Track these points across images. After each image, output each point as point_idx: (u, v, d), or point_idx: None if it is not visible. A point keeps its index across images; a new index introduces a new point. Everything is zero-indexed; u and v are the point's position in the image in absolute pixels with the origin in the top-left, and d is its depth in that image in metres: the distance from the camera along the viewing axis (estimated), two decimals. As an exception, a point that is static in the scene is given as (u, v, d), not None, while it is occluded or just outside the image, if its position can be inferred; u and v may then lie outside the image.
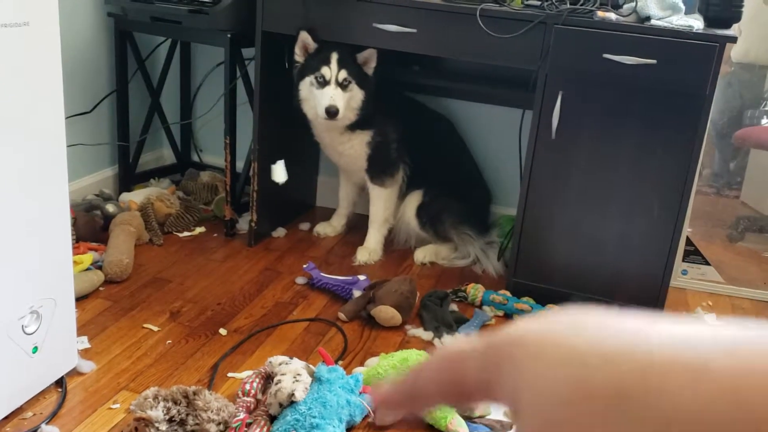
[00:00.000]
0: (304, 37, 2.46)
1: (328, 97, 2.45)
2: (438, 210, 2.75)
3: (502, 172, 2.94)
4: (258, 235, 2.75)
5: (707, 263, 2.77)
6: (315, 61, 2.49)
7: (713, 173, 3.01)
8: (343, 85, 2.48)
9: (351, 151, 2.69)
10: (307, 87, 2.52)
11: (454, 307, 2.38)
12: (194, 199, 3.04)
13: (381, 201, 2.74)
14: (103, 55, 2.92)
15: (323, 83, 2.47)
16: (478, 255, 2.74)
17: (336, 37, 2.45)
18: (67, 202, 1.71)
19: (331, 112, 2.44)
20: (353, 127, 2.61)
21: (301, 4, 2.43)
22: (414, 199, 2.76)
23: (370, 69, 2.52)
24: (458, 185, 2.80)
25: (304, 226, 2.97)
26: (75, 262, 2.25)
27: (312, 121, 2.64)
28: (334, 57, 2.47)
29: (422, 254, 2.75)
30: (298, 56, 2.52)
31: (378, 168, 2.71)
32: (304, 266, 2.50)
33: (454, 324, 2.24)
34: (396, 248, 2.82)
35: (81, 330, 2.02)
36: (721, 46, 2.03)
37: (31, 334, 1.65)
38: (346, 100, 2.49)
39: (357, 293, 2.33)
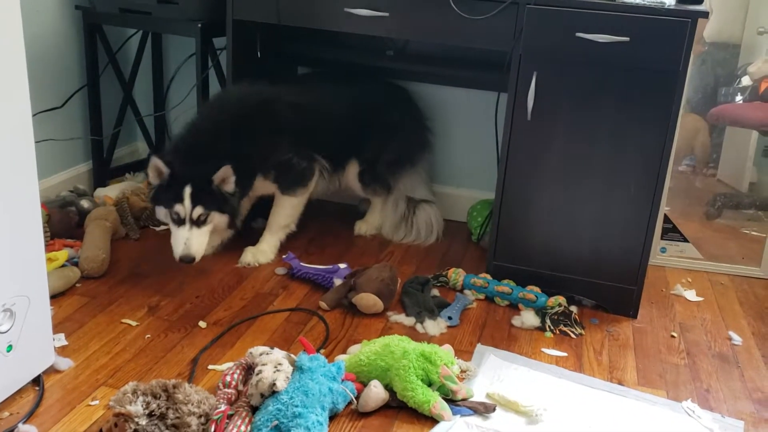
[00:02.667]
0: (156, 163, 2.23)
1: (182, 241, 2.23)
2: (378, 170, 2.76)
3: (480, 156, 2.94)
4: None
5: (686, 240, 2.79)
6: (168, 194, 2.23)
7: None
8: (199, 222, 2.25)
9: (257, 192, 2.58)
10: (163, 214, 2.31)
11: (435, 291, 2.37)
12: (171, 192, 3.01)
13: (288, 208, 2.58)
14: (73, 49, 2.87)
15: (178, 221, 2.25)
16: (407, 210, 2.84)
17: (307, 22, 2.42)
18: (37, 199, 1.68)
19: (186, 261, 2.23)
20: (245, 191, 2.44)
21: (272, -9, 2.40)
22: (352, 168, 2.74)
23: (230, 186, 2.27)
24: (394, 141, 2.76)
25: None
26: (50, 259, 2.22)
27: None
28: (187, 192, 2.21)
29: (364, 228, 2.84)
30: (153, 178, 2.28)
31: (288, 182, 2.55)
32: (284, 256, 2.48)
33: (436, 309, 2.24)
34: (376, 236, 2.81)
35: (58, 327, 2.00)
36: (693, 21, 2.03)
37: (5, 332, 1.62)
38: (205, 235, 2.28)
39: (338, 282, 2.32)
